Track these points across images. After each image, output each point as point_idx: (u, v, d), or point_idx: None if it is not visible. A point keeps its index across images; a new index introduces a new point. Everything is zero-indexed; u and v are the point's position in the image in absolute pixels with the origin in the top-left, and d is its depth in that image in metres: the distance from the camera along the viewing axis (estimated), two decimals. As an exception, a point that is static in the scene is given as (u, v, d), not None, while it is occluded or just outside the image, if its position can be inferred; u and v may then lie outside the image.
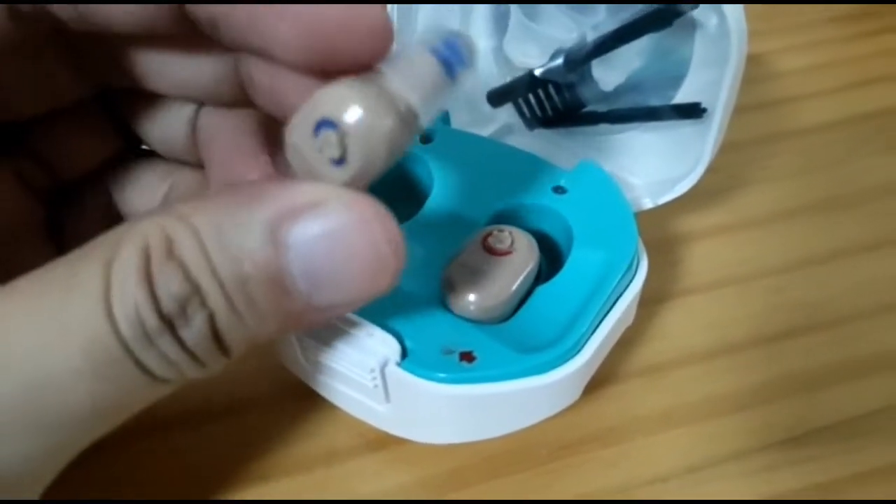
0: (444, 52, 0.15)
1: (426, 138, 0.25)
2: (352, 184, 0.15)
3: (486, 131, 0.28)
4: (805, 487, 0.22)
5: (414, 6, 0.27)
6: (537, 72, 0.26)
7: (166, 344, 0.14)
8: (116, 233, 0.15)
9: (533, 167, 0.24)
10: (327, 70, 0.16)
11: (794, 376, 0.25)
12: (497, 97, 0.28)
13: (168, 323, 0.14)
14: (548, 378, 0.20)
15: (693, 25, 0.24)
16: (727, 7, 0.21)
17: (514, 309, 0.22)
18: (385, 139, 0.14)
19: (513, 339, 0.21)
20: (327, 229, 0.14)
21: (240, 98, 0.19)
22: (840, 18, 0.40)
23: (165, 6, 0.16)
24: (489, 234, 0.22)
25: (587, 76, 0.26)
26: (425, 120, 0.15)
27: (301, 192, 0.15)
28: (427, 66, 0.15)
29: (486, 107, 0.29)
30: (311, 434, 0.24)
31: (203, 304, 0.14)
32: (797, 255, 0.28)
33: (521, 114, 0.28)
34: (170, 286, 0.14)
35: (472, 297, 0.21)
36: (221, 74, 0.18)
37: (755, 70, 0.37)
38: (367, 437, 0.23)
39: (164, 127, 0.20)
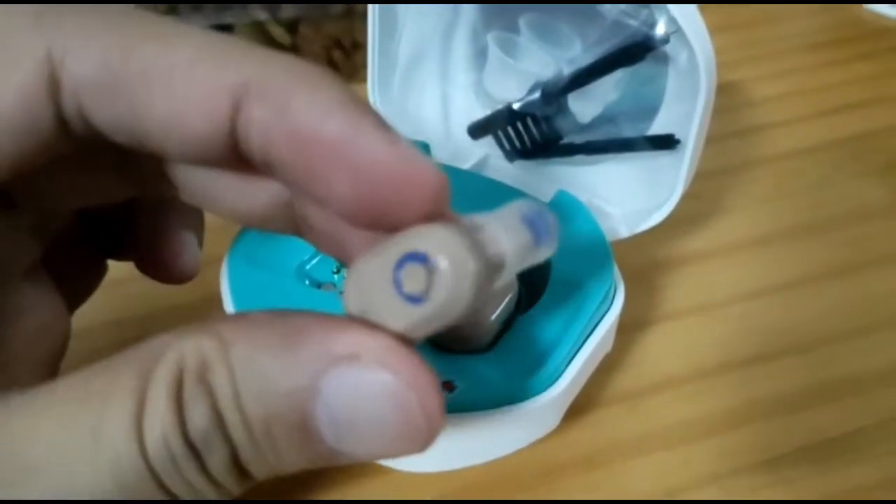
0: (535, 222, 0.15)
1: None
2: (419, 327, 0.14)
3: (467, 163, 0.29)
4: (781, 509, 0.23)
5: (395, 39, 0.28)
6: (516, 105, 0.27)
7: (191, 471, 0.14)
8: (155, 346, 0.14)
9: (510, 199, 0.25)
10: (379, 224, 0.15)
11: (768, 400, 0.25)
12: (478, 130, 0.29)
13: (194, 450, 0.14)
14: (527, 406, 0.21)
15: (665, 60, 0.25)
16: (695, 42, 0.22)
17: (494, 339, 0.22)
18: (473, 284, 0.14)
19: (492, 369, 0.21)
20: (361, 387, 0.14)
21: (290, 229, 0.18)
22: (814, 46, 0.41)
23: (220, 143, 0.15)
24: (468, 266, 0.23)
25: (564, 109, 0.27)
26: (508, 277, 0.15)
27: (343, 341, 0.14)
28: (518, 230, 0.15)
29: (468, 139, 0.29)
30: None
31: (227, 437, 0.14)
32: (772, 280, 0.29)
33: (501, 145, 0.29)
34: (196, 414, 0.14)
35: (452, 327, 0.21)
36: (275, 207, 0.18)
37: (732, 98, 0.38)
38: (353, 467, 0.24)
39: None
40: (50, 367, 0.19)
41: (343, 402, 0.14)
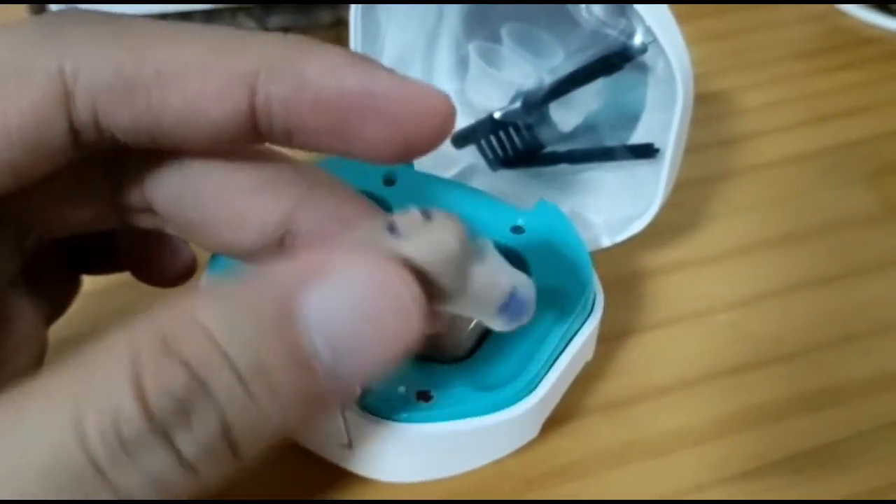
0: (513, 300, 0.16)
1: (389, 181, 0.26)
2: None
3: (450, 172, 0.29)
4: (763, 519, 0.23)
5: (377, 47, 0.28)
6: (497, 114, 0.27)
7: (152, 457, 0.13)
8: (102, 338, 0.13)
9: (492, 208, 0.25)
10: (407, 155, 0.17)
11: (752, 409, 0.25)
12: (460, 139, 0.29)
13: (160, 432, 0.13)
14: (504, 415, 0.21)
15: (644, 69, 0.25)
16: (672, 53, 0.22)
17: (471, 347, 0.22)
18: (459, 245, 0.15)
19: (470, 378, 0.21)
20: (346, 291, 0.14)
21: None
22: (800, 55, 0.41)
23: (239, 127, 0.16)
24: (447, 274, 0.23)
25: (546, 118, 0.27)
26: (468, 305, 0.16)
27: (312, 260, 0.14)
28: (497, 287, 0.16)
29: (451, 148, 0.29)
30: (278, 474, 0.24)
31: (212, 400, 0.13)
32: (756, 289, 0.29)
33: (483, 155, 0.29)
34: (166, 386, 0.12)
35: (429, 336, 0.21)
36: (261, 243, 0.18)
37: (718, 107, 0.38)
38: (332, 477, 0.23)
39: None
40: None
41: (334, 314, 0.14)
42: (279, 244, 0.18)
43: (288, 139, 0.17)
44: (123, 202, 0.19)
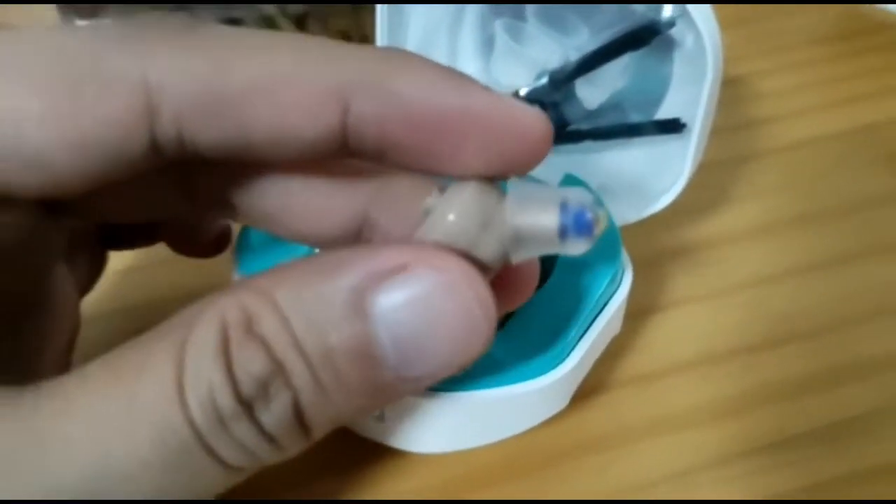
0: (568, 213, 0.15)
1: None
2: (436, 230, 0.15)
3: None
4: (789, 490, 0.23)
5: (402, 30, 0.28)
6: (522, 92, 0.27)
7: (242, 429, 0.13)
8: (191, 311, 0.14)
9: (519, 182, 0.25)
10: (499, 178, 0.16)
11: (775, 384, 0.25)
12: (485, 117, 0.29)
13: (246, 406, 0.13)
14: (535, 384, 0.21)
15: (671, 44, 0.25)
16: (702, 25, 0.22)
17: (503, 318, 0.22)
18: (474, 198, 0.15)
19: (501, 347, 0.21)
20: (415, 294, 0.14)
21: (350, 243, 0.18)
22: (823, 39, 0.41)
23: (329, 144, 0.15)
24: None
25: (571, 95, 0.27)
26: (514, 256, 0.15)
27: (385, 257, 0.14)
28: (544, 213, 0.15)
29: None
30: (311, 450, 0.24)
31: (287, 382, 0.13)
32: (778, 268, 0.29)
33: (509, 133, 0.29)
34: (251, 366, 0.13)
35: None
36: (340, 233, 0.18)
37: (741, 91, 0.38)
38: (364, 449, 0.24)
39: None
40: (65, 355, 0.19)
41: (402, 315, 0.14)
42: (357, 236, 0.18)
43: (379, 157, 0.16)
44: (198, 198, 0.19)
